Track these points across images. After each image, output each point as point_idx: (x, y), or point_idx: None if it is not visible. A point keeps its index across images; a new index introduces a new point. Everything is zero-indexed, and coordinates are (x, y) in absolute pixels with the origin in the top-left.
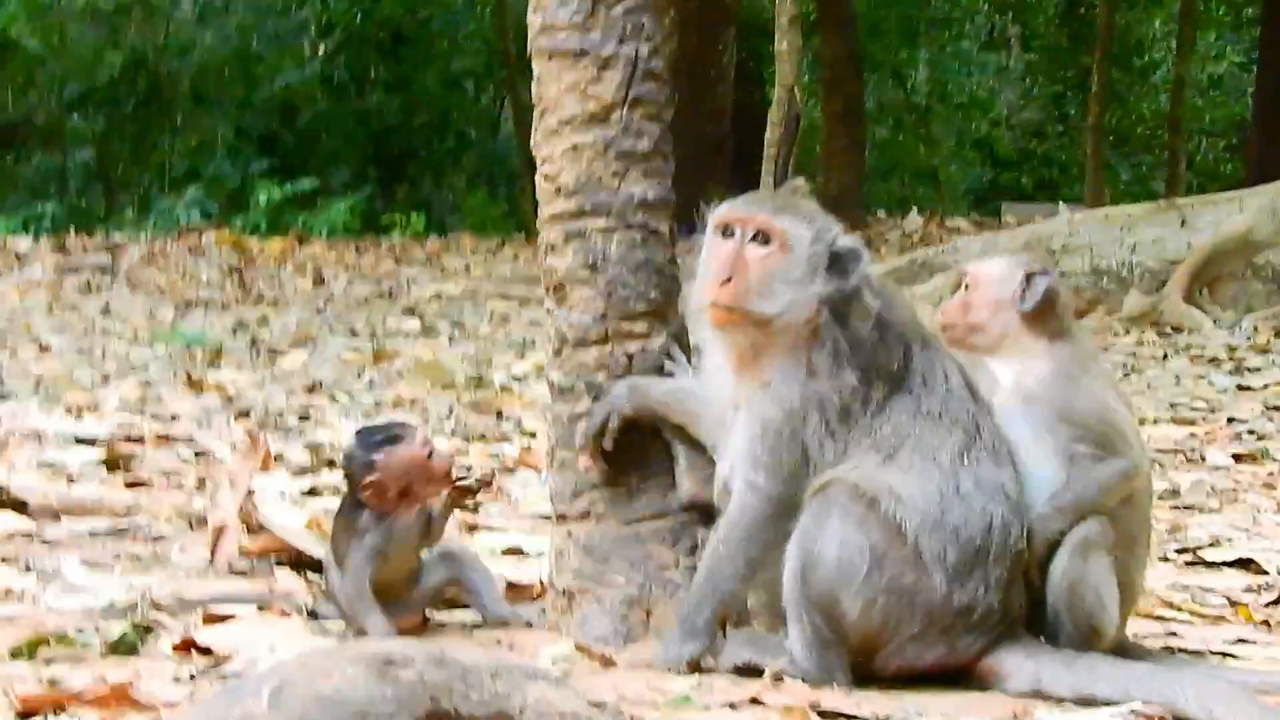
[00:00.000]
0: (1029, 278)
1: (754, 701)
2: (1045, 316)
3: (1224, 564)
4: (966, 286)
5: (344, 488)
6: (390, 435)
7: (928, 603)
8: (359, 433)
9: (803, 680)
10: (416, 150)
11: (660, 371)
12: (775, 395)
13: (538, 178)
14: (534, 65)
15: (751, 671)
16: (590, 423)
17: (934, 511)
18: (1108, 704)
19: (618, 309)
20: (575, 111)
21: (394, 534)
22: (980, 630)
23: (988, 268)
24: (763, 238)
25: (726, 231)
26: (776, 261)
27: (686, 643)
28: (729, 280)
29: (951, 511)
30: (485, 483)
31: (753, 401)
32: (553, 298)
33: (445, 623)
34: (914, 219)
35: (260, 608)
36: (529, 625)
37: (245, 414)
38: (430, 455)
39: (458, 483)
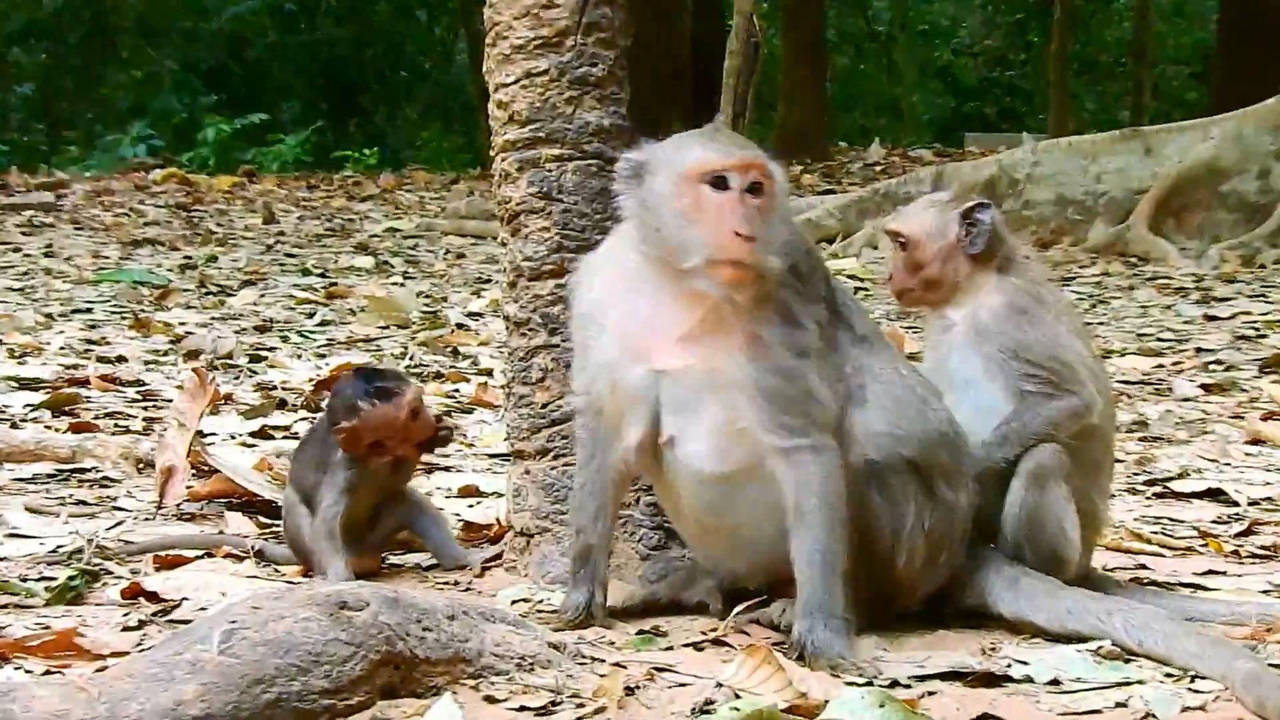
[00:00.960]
0: (967, 216)
1: (717, 643)
2: (991, 249)
3: (1193, 495)
4: (903, 246)
5: (317, 421)
6: (383, 389)
7: (949, 517)
8: (358, 372)
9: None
10: (369, 83)
11: None
12: (771, 354)
13: (490, 105)
14: None
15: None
16: (570, 616)
17: (920, 428)
18: (1071, 639)
19: (573, 239)
20: (528, 37)
21: (365, 474)
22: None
23: (920, 221)
24: (757, 186)
25: (719, 182)
26: (773, 209)
27: (842, 638)
28: (752, 237)
29: (930, 421)
30: (449, 436)
31: (742, 365)
32: (507, 229)
33: (402, 565)
34: (876, 150)
35: (210, 552)
36: (481, 569)
37: (193, 355)
38: (415, 417)
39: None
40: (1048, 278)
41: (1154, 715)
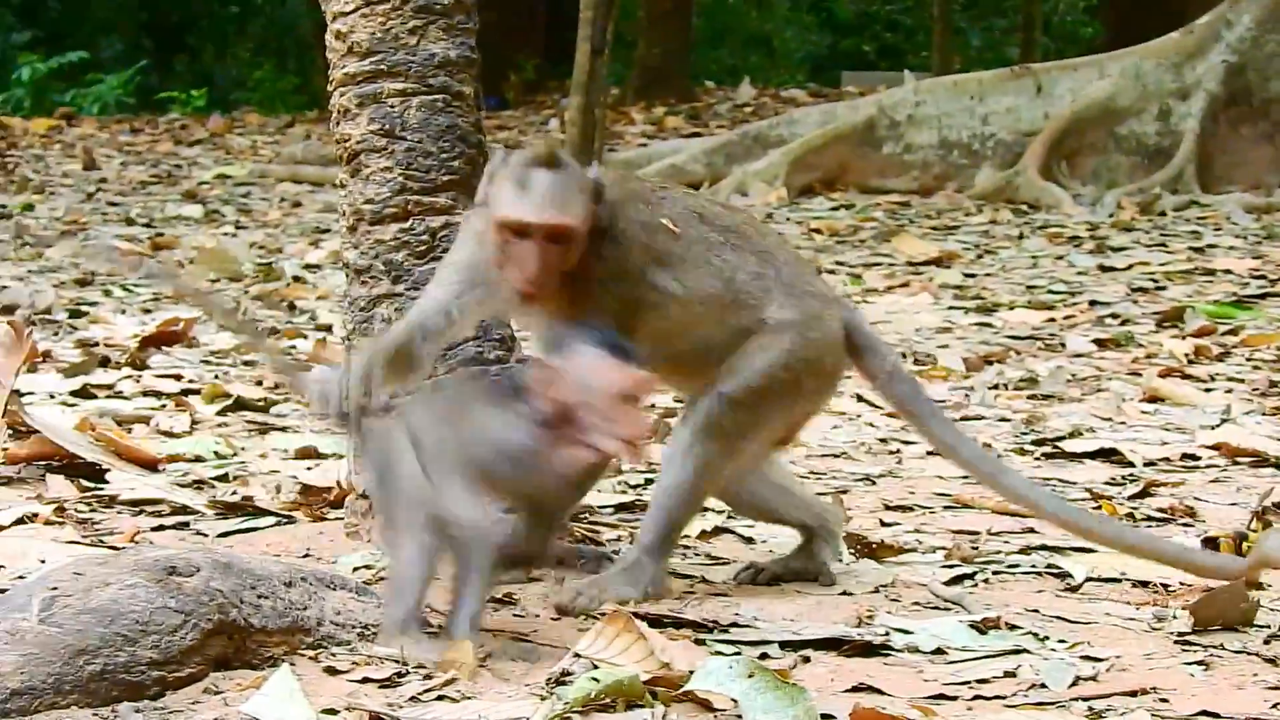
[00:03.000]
0: (598, 193)
1: None
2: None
3: (1085, 456)
4: (555, 239)
5: None
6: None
7: None
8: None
9: None
10: (196, 18)
11: None
12: None
13: (328, 36)
14: None
15: None
16: None
17: None
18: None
19: (418, 180)
20: None
21: None
22: None
23: (575, 210)
24: None
25: None
26: None
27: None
28: None
29: None
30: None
31: None
32: (346, 169)
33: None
34: (746, 90)
35: (29, 518)
36: None
37: (9, 310)
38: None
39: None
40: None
41: (1044, 685)
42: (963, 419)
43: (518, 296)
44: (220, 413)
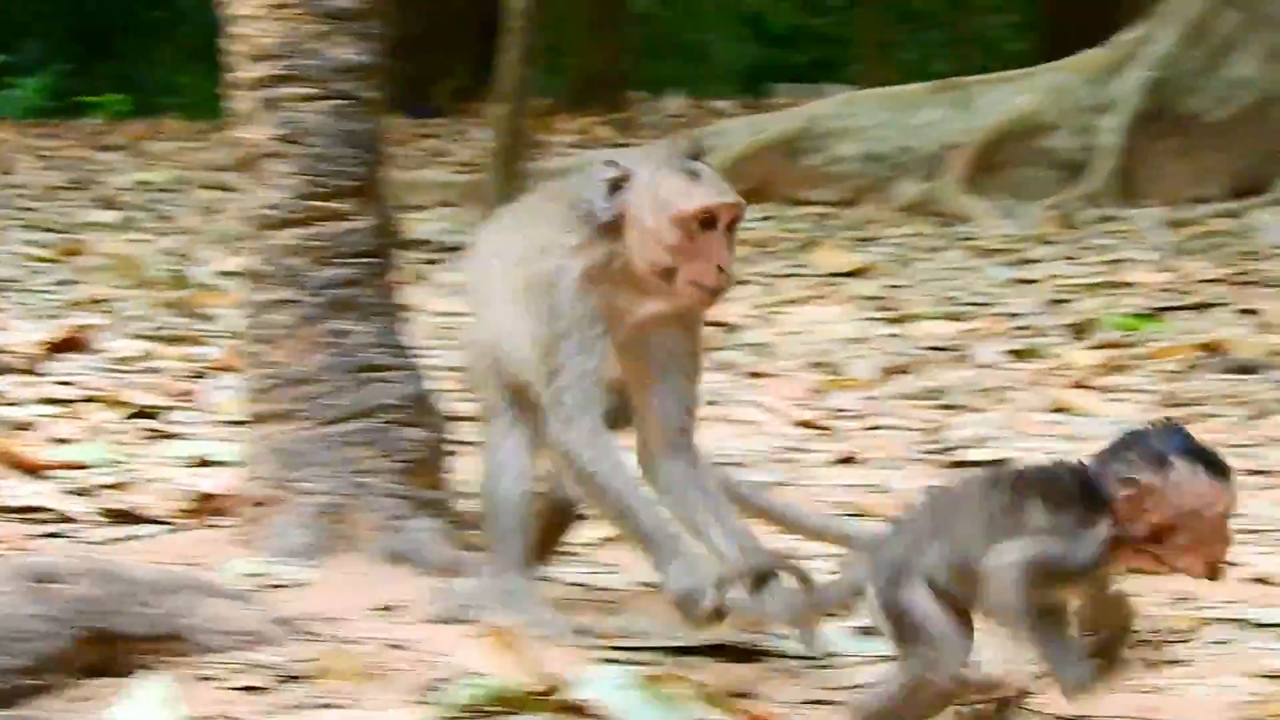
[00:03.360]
0: None
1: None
2: None
3: (983, 465)
4: (732, 226)
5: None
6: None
7: None
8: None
9: None
10: (122, 21)
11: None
12: None
13: (229, 39)
14: None
15: None
16: None
17: None
18: None
19: (319, 186)
20: None
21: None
22: None
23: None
24: None
25: None
26: None
27: None
28: None
29: None
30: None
31: None
32: (247, 174)
33: None
34: (675, 100)
35: None
36: None
37: None
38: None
39: None
40: None
41: None
42: (867, 429)
43: (701, 296)
44: (116, 420)
